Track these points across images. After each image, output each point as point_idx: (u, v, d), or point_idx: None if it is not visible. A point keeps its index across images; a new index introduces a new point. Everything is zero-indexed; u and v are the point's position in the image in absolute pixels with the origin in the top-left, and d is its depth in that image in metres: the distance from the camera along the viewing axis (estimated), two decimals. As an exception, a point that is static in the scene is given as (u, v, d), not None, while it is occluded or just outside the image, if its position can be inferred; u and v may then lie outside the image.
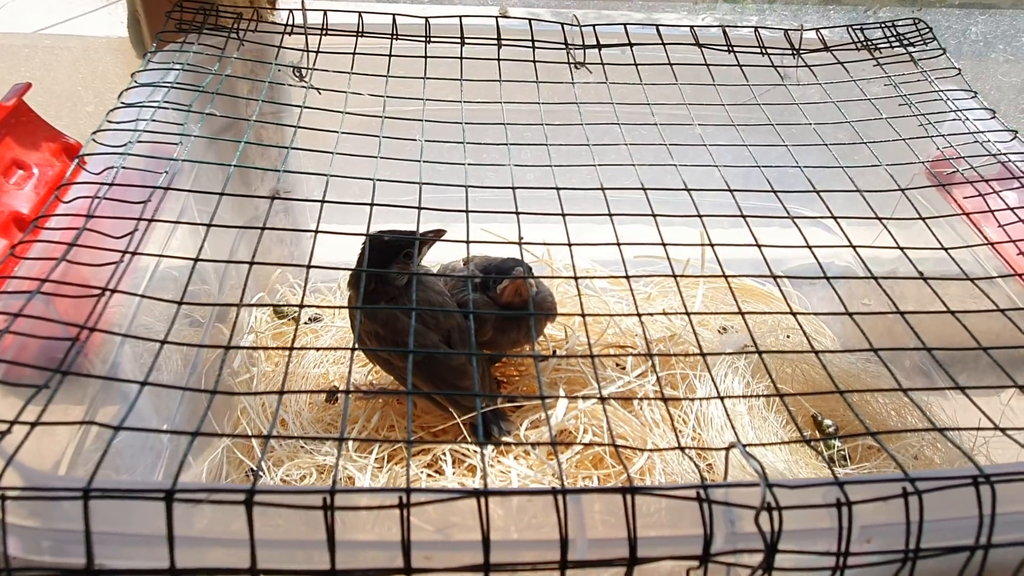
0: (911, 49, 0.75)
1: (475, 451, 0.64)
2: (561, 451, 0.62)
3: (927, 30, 0.76)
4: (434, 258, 0.77)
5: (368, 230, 0.49)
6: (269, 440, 0.33)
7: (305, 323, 0.84)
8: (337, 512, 0.30)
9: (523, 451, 0.64)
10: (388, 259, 0.66)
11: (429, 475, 0.64)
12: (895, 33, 0.76)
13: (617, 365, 0.75)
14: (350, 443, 0.65)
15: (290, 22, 0.71)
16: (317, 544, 0.31)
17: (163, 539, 0.30)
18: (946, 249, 0.52)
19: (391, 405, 0.73)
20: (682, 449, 0.36)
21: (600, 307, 0.86)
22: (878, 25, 0.77)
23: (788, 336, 0.85)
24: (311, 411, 0.73)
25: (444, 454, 0.64)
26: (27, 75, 0.92)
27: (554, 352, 0.80)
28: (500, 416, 0.68)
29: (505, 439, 0.65)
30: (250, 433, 0.67)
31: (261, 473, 0.61)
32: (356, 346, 0.42)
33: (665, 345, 0.78)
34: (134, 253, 0.43)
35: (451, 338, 0.70)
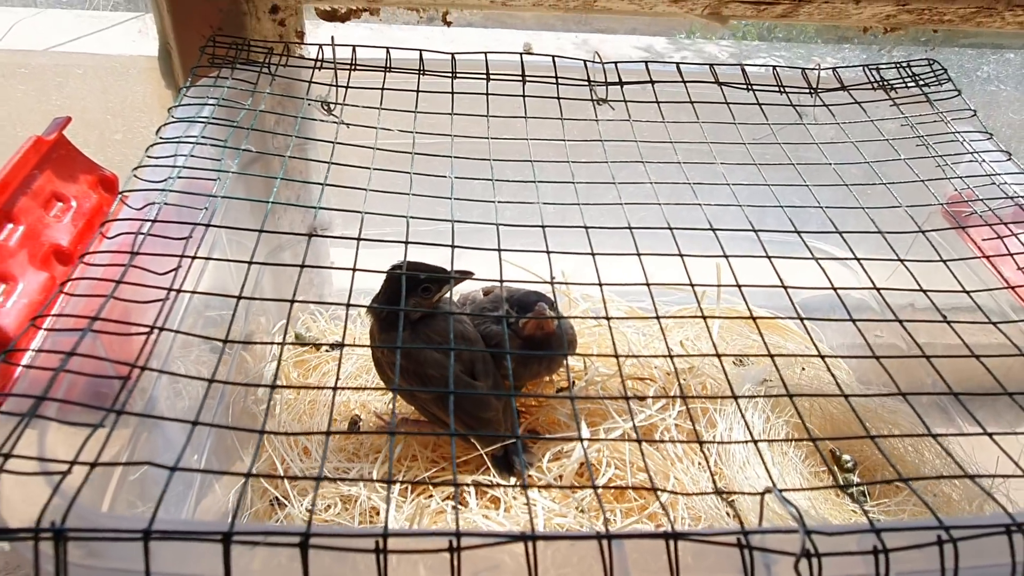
0: (926, 89, 0.76)
1: (497, 483, 0.64)
2: (586, 486, 0.63)
3: (942, 71, 0.77)
4: (455, 288, 0.78)
5: (404, 267, 0.50)
6: (320, 482, 0.33)
7: (326, 350, 0.85)
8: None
9: (545, 483, 0.64)
10: (405, 292, 0.67)
11: (453, 507, 0.64)
12: (911, 73, 0.78)
13: (635, 396, 0.76)
14: (374, 473, 0.66)
15: (319, 57, 0.73)
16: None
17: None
18: (968, 293, 0.53)
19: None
20: (719, 494, 0.37)
21: (618, 338, 0.87)
22: (893, 65, 0.79)
23: (803, 368, 0.86)
24: (332, 440, 0.73)
25: (467, 485, 0.65)
26: (56, 100, 0.93)
27: (574, 384, 0.81)
28: (522, 448, 0.68)
29: (529, 472, 0.66)
30: (278, 463, 0.67)
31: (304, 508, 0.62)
32: (397, 385, 0.43)
33: (684, 378, 0.79)
34: (179, 291, 0.44)
35: (475, 368, 0.70)
